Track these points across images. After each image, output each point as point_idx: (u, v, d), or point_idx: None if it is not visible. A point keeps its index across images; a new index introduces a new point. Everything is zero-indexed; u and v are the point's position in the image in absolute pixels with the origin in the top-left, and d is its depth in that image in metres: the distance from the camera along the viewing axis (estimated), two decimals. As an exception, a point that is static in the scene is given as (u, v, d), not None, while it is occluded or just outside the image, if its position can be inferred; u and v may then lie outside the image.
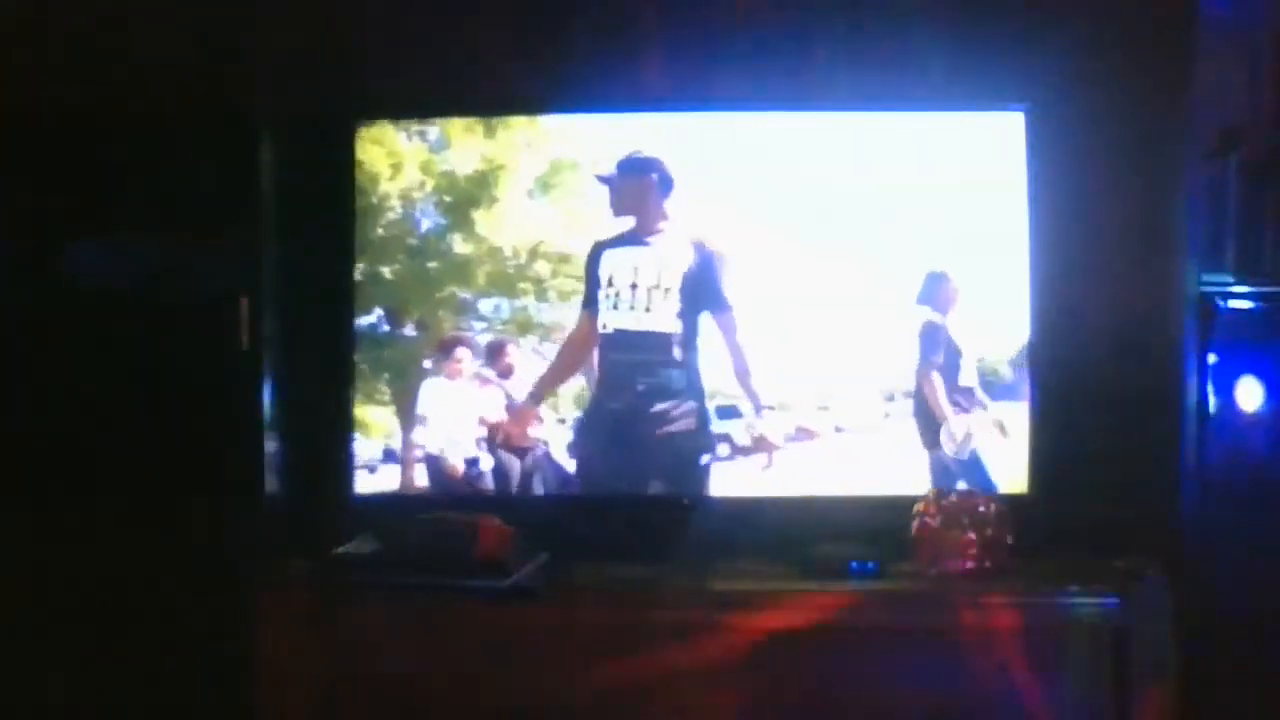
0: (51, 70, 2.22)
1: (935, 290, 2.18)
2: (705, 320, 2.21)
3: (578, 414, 2.25)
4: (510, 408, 2.26)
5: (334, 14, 2.24)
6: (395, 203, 2.25)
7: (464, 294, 2.25)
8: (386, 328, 2.26)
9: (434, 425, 2.26)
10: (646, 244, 2.22)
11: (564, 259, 2.25)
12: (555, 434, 2.26)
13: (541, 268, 2.25)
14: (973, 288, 2.17)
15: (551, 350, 2.25)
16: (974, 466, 2.17)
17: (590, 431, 2.24)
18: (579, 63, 2.28)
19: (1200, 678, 1.91)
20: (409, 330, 2.26)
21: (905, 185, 2.17)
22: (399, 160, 2.24)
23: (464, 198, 2.25)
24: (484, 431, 2.26)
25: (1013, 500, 2.08)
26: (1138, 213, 2.03)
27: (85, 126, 2.21)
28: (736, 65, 2.26)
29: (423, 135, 2.26)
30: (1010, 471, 2.15)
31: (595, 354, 2.24)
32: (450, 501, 2.15)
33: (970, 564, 2.01)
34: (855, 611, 1.93)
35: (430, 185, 2.26)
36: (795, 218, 2.19)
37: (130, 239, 2.17)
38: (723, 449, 2.21)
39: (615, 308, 2.23)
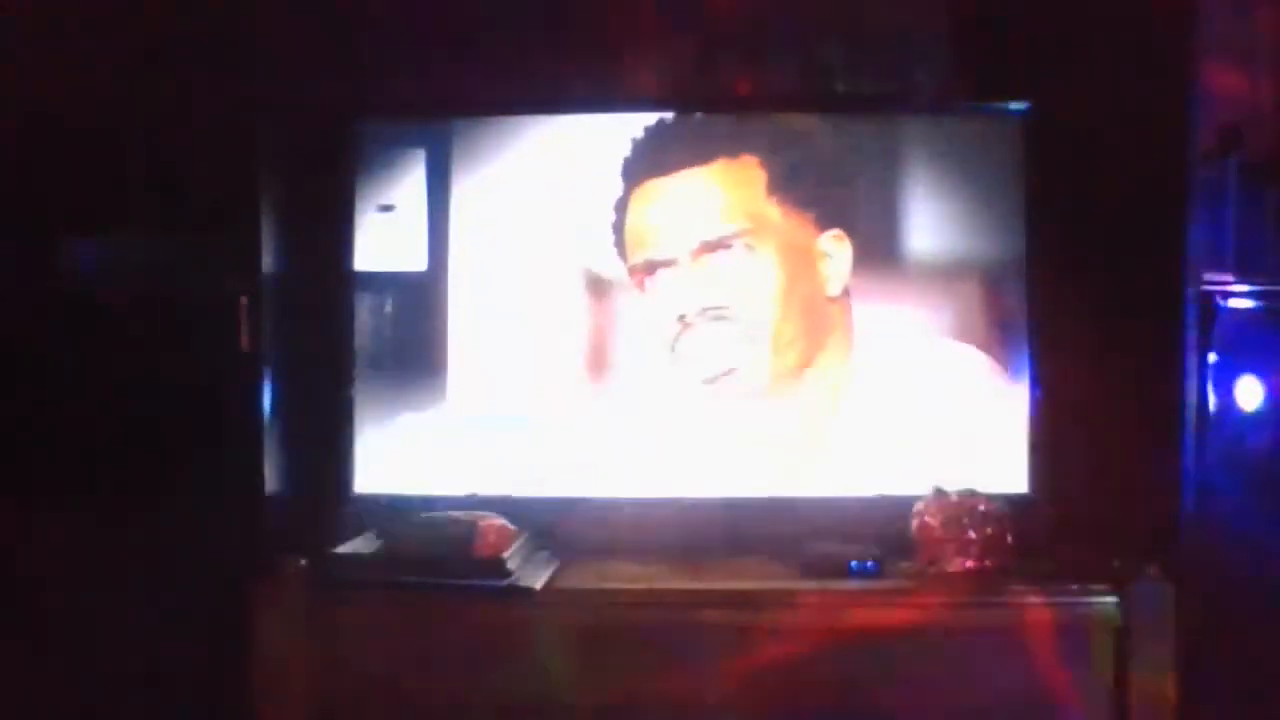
0: (51, 68, 2.22)
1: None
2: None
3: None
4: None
5: (334, 13, 2.23)
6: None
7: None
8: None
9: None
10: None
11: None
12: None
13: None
14: (970, 288, 2.17)
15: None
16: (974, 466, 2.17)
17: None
18: (579, 63, 2.28)
19: (1200, 678, 1.91)
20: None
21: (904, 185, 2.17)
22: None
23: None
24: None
25: (1013, 500, 2.08)
26: (1138, 213, 2.03)
27: (84, 125, 2.21)
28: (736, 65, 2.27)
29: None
30: (1010, 471, 2.15)
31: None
32: (450, 501, 2.14)
33: (970, 564, 2.01)
34: (855, 611, 1.93)
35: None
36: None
37: (129, 238, 2.17)
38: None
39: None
